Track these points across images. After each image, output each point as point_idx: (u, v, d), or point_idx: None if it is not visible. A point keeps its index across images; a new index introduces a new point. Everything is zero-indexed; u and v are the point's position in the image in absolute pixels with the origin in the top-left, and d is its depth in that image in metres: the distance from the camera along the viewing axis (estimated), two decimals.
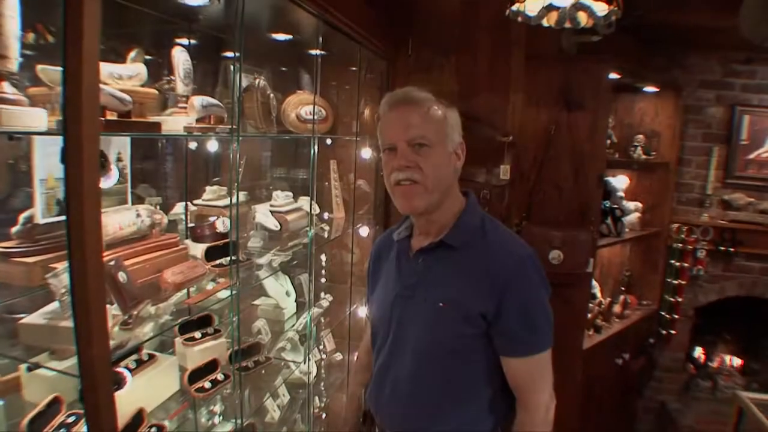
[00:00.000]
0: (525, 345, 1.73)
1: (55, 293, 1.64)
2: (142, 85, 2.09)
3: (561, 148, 3.85)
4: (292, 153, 3.82)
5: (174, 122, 2.14)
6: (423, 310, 1.80)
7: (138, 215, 2.10)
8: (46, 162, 1.90)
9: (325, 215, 3.70)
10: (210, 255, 2.29)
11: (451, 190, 1.83)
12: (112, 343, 1.54)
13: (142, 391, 2.12)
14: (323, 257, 3.81)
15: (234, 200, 3.10)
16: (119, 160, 2.23)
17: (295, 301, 3.35)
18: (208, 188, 3.11)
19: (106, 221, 1.94)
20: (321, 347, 3.63)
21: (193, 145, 3.23)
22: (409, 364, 1.84)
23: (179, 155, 3.02)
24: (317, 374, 3.46)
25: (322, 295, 3.60)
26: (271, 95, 2.72)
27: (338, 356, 3.78)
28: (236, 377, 2.48)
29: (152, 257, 2.10)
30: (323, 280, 3.87)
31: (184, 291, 2.22)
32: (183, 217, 2.86)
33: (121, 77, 1.97)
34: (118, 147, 2.22)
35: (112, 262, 1.77)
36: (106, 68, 1.91)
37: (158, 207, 2.72)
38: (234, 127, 2.13)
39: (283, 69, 3.69)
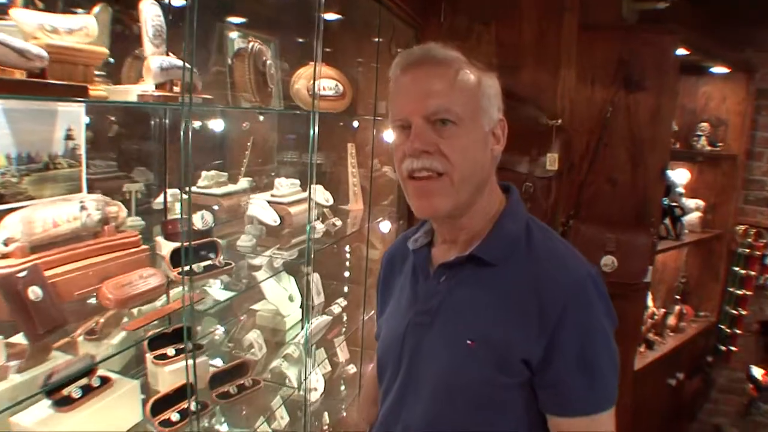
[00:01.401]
0: (582, 402, 1.24)
1: None
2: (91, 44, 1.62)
3: (617, 135, 3.30)
4: (305, 134, 3.34)
5: (127, 91, 1.67)
6: (444, 346, 1.34)
7: (83, 208, 1.64)
8: None
9: (348, 206, 3.28)
10: (180, 258, 1.81)
11: (487, 184, 1.34)
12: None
13: (84, 426, 1.66)
14: (345, 253, 3.35)
15: (237, 186, 2.76)
16: (69, 137, 1.78)
17: (301, 306, 2.86)
18: (204, 173, 2.69)
19: (31, 216, 1.49)
20: (326, 358, 3.16)
21: (196, 123, 2.85)
22: (421, 414, 1.37)
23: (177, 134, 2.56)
24: (325, 388, 2.98)
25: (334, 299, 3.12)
26: (269, 63, 2.25)
27: (351, 368, 3.30)
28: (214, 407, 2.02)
29: (98, 262, 1.65)
30: (334, 281, 3.41)
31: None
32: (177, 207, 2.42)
33: (57, 30, 1.49)
34: (68, 121, 1.77)
35: (22, 273, 1.31)
36: (31, 17, 1.45)
37: (139, 194, 2.31)
38: (186, 98, 1.62)
39: (298, 39, 3.19)
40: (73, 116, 1.81)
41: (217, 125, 3.01)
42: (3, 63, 1.19)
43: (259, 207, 2.43)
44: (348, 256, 3.54)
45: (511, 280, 1.28)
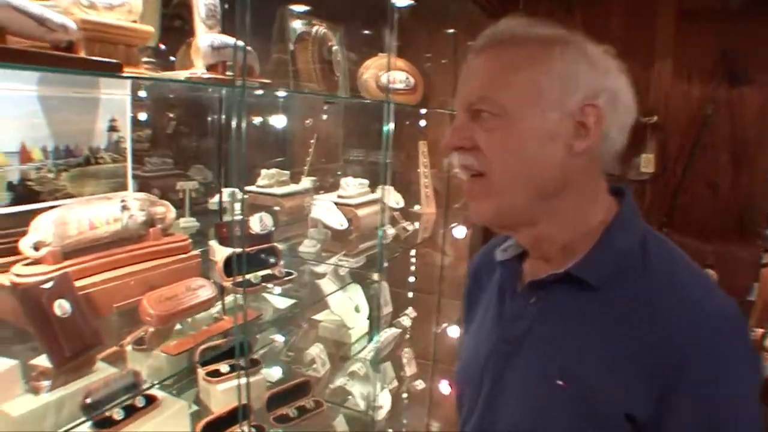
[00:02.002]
0: None
1: None
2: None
3: (718, 135, 2.94)
4: (373, 130, 3.11)
5: (174, 76, 1.47)
6: (528, 382, 1.07)
7: (124, 208, 1.43)
8: None
9: (416, 208, 3.05)
10: (234, 266, 1.59)
11: (567, 187, 1.04)
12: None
13: None
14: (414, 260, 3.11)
15: (299, 186, 2.55)
16: (113, 129, 1.58)
17: (368, 317, 2.62)
18: (264, 171, 2.50)
19: (65, 216, 1.29)
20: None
21: (257, 119, 2.64)
22: None
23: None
24: (392, 405, 2.73)
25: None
26: (335, 48, 2.02)
27: (419, 384, 3.05)
28: None
29: (141, 271, 1.44)
30: (402, 290, 3.16)
31: None
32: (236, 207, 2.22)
33: (94, 5, 1.29)
34: (111, 111, 1.57)
35: (48, 284, 1.10)
36: None
37: (193, 193, 2.12)
38: (240, 80, 1.39)
39: (365, 29, 2.97)
40: (118, 105, 1.61)
41: (278, 120, 2.83)
42: (20, 33, 0.97)
43: (325, 209, 2.21)
44: (417, 262, 3.29)
45: (619, 310, 0.98)
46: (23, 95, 1.39)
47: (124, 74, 1.25)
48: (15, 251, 1.32)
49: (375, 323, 2.58)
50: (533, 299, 1.10)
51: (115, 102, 1.60)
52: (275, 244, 1.76)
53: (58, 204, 1.43)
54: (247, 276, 1.60)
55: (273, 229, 1.80)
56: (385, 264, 2.12)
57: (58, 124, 1.47)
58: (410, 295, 3.24)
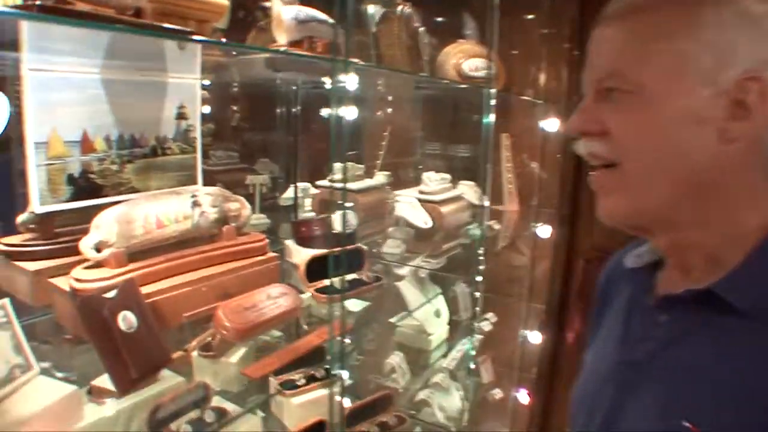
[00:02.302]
0: None
1: None
2: None
3: None
4: (450, 121, 2.91)
5: (250, 60, 1.31)
6: (648, 418, 0.86)
7: (195, 204, 1.26)
8: (49, 112, 1.18)
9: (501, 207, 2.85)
10: (317, 270, 1.41)
11: (725, 184, 0.81)
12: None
13: None
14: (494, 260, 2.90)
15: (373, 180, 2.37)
16: (181, 116, 1.41)
17: (448, 323, 2.42)
18: (337, 165, 2.29)
19: (130, 214, 1.12)
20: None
21: (325, 111, 2.48)
22: None
23: (310, 124, 2.35)
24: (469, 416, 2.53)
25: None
26: (421, 30, 1.82)
27: (497, 393, 2.83)
28: None
29: (215, 275, 1.26)
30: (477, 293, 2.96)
31: None
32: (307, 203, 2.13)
33: None
34: (180, 97, 1.41)
35: (111, 293, 0.93)
36: None
37: (264, 188, 2.01)
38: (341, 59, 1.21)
39: (439, 16, 2.77)
40: (187, 91, 1.45)
41: (349, 112, 2.65)
42: None
43: (408, 206, 2.01)
44: (496, 263, 3.08)
45: None
46: (85, 78, 1.23)
47: (201, 38, 1.07)
48: (76, 251, 1.17)
49: (467, 329, 2.38)
50: (664, 317, 0.88)
51: (183, 87, 1.44)
52: (360, 245, 1.57)
53: (122, 199, 1.27)
54: (330, 281, 1.42)
55: (355, 227, 1.62)
56: (481, 267, 1.92)
57: (123, 111, 1.31)
58: (488, 297, 3.03)
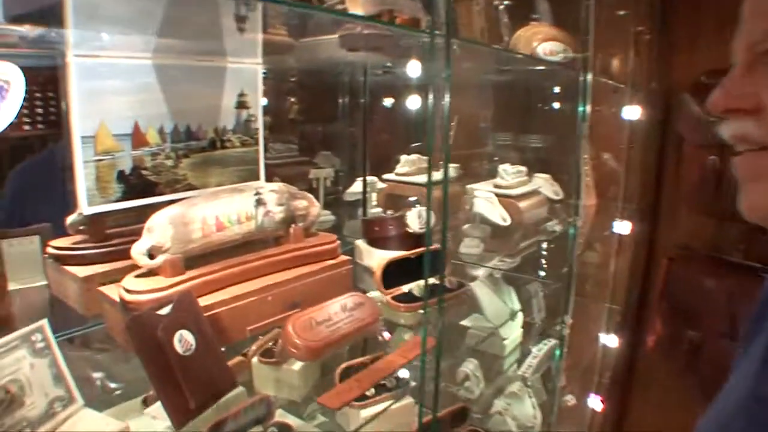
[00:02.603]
0: None
1: None
2: None
3: None
4: (523, 110, 2.73)
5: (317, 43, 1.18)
6: None
7: (260, 203, 1.12)
8: (97, 103, 1.05)
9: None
10: (393, 274, 1.25)
11: None
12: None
13: None
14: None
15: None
16: (242, 105, 1.27)
17: (522, 326, 2.24)
18: (404, 157, 2.23)
19: (186, 215, 0.98)
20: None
21: (388, 101, 2.45)
22: None
23: (374, 113, 2.20)
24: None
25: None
26: (502, 7, 1.64)
27: (570, 399, 2.65)
28: None
29: (282, 282, 1.11)
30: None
31: None
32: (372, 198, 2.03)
33: None
34: (240, 84, 1.28)
35: (166, 309, 0.80)
36: None
37: (328, 182, 1.93)
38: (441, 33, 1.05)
39: None
40: (248, 77, 1.30)
41: (412, 101, 2.52)
42: None
43: (485, 202, 1.84)
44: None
45: None
46: (135, 64, 1.10)
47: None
48: (129, 254, 1.03)
49: (541, 333, 2.20)
50: None
51: (244, 73, 1.29)
52: (439, 246, 1.41)
53: (178, 198, 1.14)
54: (409, 287, 1.26)
55: (428, 227, 1.45)
56: (573, 269, 1.74)
57: (178, 100, 1.17)
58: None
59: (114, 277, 1.22)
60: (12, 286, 1.41)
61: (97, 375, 1.44)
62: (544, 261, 2.44)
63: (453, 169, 2.31)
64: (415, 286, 1.27)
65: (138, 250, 0.99)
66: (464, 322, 2.24)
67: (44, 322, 0.80)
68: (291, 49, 1.19)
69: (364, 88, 1.96)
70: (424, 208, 1.41)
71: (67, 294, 1.26)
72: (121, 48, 1.07)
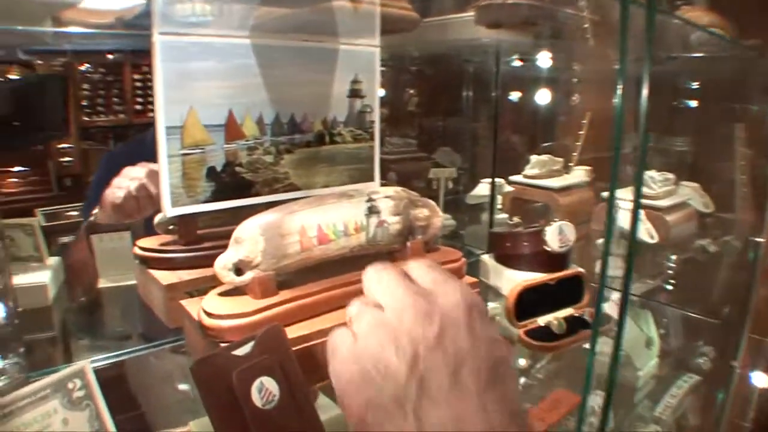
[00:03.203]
0: None
1: None
2: None
3: None
4: (667, 107, 2.43)
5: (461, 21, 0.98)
6: None
7: (372, 211, 0.92)
8: (185, 88, 0.88)
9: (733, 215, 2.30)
10: (527, 303, 1.03)
11: None
12: None
13: None
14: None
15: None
16: (355, 94, 1.10)
17: (658, 356, 1.96)
18: (534, 158, 2.01)
19: (282, 224, 0.80)
20: None
21: (514, 95, 2.27)
22: None
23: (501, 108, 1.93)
24: None
25: None
26: None
27: None
28: None
29: None
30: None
31: None
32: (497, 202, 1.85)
33: None
34: (353, 69, 1.09)
35: (245, 347, 0.62)
36: None
37: (450, 183, 1.75)
38: None
39: None
40: (363, 62, 1.10)
41: (542, 96, 2.29)
42: None
43: (630, 214, 1.57)
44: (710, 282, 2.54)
45: None
46: (231, 44, 0.92)
47: None
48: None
49: (681, 366, 1.91)
50: None
51: (358, 57, 1.09)
52: (579, 268, 1.17)
53: (278, 200, 0.97)
54: (546, 320, 1.03)
55: (569, 244, 1.21)
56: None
57: (280, 86, 0.99)
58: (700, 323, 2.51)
59: (203, 286, 1.07)
60: (102, 284, 1.30)
61: (184, 387, 1.31)
62: (693, 286, 2.14)
63: (583, 172, 2.07)
64: (553, 320, 1.04)
65: (222, 264, 0.81)
66: (588, 346, 1.98)
67: (85, 365, 0.63)
68: (415, 26, 0.98)
69: (496, 77, 1.72)
70: (565, 223, 1.17)
71: (152, 300, 1.12)
72: (214, 25, 0.90)
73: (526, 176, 1.93)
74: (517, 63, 1.88)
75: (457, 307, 0.49)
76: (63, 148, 2.91)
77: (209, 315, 0.79)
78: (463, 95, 2.15)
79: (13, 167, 2.69)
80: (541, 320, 1.04)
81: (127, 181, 1.26)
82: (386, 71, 1.69)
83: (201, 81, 0.89)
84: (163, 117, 0.86)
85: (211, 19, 0.89)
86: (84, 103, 3.23)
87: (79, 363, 0.64)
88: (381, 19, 1.01)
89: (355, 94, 1.09)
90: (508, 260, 1.23)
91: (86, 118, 3.31)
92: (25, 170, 2.72)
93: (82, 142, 3.06)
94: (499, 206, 1.85)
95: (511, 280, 1.16)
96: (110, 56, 3.11)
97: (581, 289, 1.14)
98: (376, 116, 1.12)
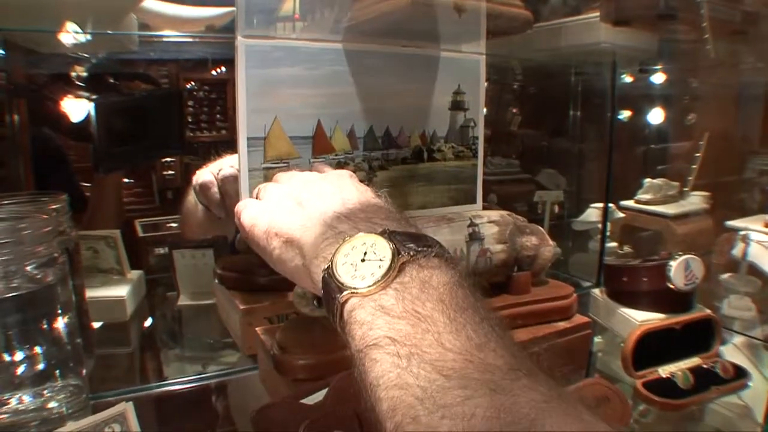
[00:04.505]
0: None
1: None
2: None
3: None
4: None
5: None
6: None
7: (473, 237, 0.80)
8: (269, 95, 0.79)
9: None
10: (645, 348, 0.88)
11: None
12: None
13: None
14: None
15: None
16: (459, 106, 0.98)
17: None
18: (647, 182, 1.84)
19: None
20: None
21: (623, 114, 2.00)
22: None
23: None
24: None
25: None
26: None
27: None
28: None
29: None
30: None
31: None
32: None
33: None
34: (456, 78, 0.97)
35: (316, 395, 0.51)
36: None
37: (556, 208, 1.67)
38: None
39: None
40: (466, 71, 0.98)
41: (654, 115, 2.13)
42: None
43: (762, 248, 1.37)
44: None
45: None
46: (320, 48, 0.82)
47: None
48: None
49: None
50: None
51: (461, 65, 0.97)
52: (710, 312, 1.00)
53: None
54: (669, 370, 0.87)
55: (696, 281, 1.04)
56: None
57: (375, 96, 0.88)
58: None
59: (285, 313, 0.98)
60: (181, 301, 1.23)
61: None
62: None
63: (700, 198, 1.87)
64: (678, 371, 0.87)
65: (301, 292, 0.71)
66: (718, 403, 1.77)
67: (127, 408, 0.53)
68: (526, 28, 0.86)
69: (612, 91, 1.57)
70: (692, 257, 1.00)
71: (230, 323, 1.05)
72: (303, 28, 0.80)
73: (638, 201, 1.75)
74: (629, 78, 1.71)
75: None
76: (166, 162, 2.94)
77: (282, 348, 0.69)
78: (570, 113, 2.00)
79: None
80: (663, 370, 0.87)
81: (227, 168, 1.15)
82: (488, 89, 1.58)
83: (287, 89, 0.79)
84: (245, 127, 0.77)
85: (300, 22, 0.79)
86: (189, 119, 3.27)
87: (120, 405, 0.55)
88: (489, 19, 0.88)
89: (457, 106, 0.97)
90: (624, 297, 1.06)
91: (190, 134, 3.35)
92: (129, 182, 2.76)
93: (184, 156, 3.08)
94: (608, 233, 1.69)
95: (629, 321, 1.00)
96: (214, 73, 3.13)
97: (711, 335, 0.97)
98: (480, 131, 0.99)
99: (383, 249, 0.45)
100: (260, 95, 0.77)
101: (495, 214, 0.86)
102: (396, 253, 0.44)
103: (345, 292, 0.43)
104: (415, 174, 0.94)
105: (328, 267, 0.46)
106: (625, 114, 2.14)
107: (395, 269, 0.43)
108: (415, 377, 0.36)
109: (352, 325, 0.42)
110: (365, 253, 0.45)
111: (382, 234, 0.47)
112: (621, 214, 1.68)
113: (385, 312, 0.41)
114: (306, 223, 0.54)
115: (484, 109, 1.00)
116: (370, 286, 0.43)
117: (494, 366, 0.36)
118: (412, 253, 0.45)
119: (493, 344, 0.38)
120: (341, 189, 0.58)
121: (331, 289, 0.45)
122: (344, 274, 0.45)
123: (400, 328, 0.39)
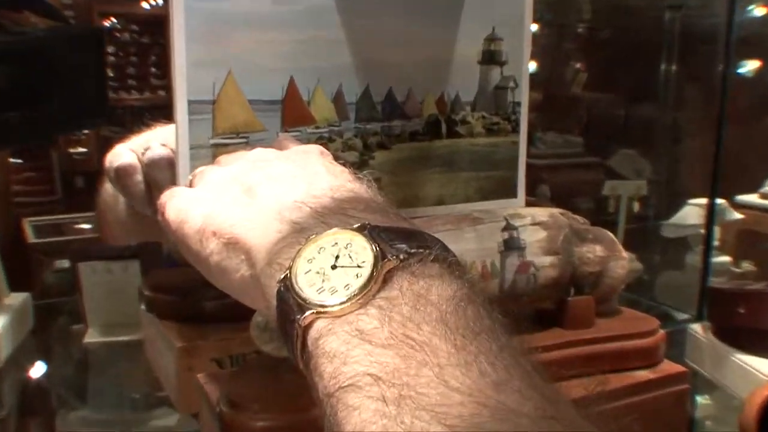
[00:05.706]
0: None
1: None
2: None
3: None
4: None
5: None
6: None
7: (509, 245, 0.87)
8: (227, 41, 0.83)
9: None
10: None
11: None
12: None
13: None
14: None
15: None
16: (493, 59, 1.02)
17: None
18: None
19: None
20: None
21: (744, 66, 2.13)
22: None
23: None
24: None
25: None
26: None
27: None
28: None
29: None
30: None
31: None
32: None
33: None
34: (492, 20, 1.00)
35: None
36: None
37: (635, 203, 1.71)
38: None
39: None
40: (504, 5, 1.01)
41: None
42: None
43: None
44: None
45: None
46: None
47: None
48: None
49: None
50: None
51: (496, 3, 1.00)
52: None
53: None
54: None
55: None
56: None
57: (372, 45, 0.92)
58: None
59: (240, 352, 1.02)
60: (90, 338, 1.26)
61: None
62: None
63: None
64: None
65: (261, 323, 0.75)
66: None
67: None
68: None
69: (727, 33, 1.60)
70: None
71: (162, 368, 1.09)
72: None
73: (764, 197, 1.81)
74: (759, 11, 1.76)
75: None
76: (75, 135, 2.97)
77: (233, 404, 0.73)
78: (662, 67, 2.05)
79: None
80: None
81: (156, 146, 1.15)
82: (538, 34, 1.64)
83: (246, 31, 0.82)
84: (184, 86, 0.79)
85: None
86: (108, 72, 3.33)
87: None
88: None
89: (490, 58, 1.00)
90: (741, 337, 1.10)
91: (113, 95, 3.38)
92: (18, 163, 2.78)
93: (103, 127, 3.14)
94: (716, 242, 1.74)
95: (749, 374, 1.04)
96: (146, 5, 3.18)
97: None
98: (523, 95, 1.02)
99: (362, 251, 0.45)
100: (207, 40, 0.80)
101: (543, 213, 0.90)
102: (380, 257, 0.45)
103: (308, 312, 0.44)
104: (428, 155, 0.98)
105: (285, 277, 0.47)
106: (748, 67, 2.18)
107: (378, 279, 0.44)
108: (407, 430, 0.36)
109: (319, 358, 0.43)
110: (337, 257, 0.46)
111: (360, 230, 0.47)
112: (737, 215, 1.74)
113: (365, 339, 0.41)
114: (255, 217, 0.55)
115: (532, 64, 1.04)
116: (343, 303, 0.43)
117: (519, 413, 0.36)
118: (402, 257, 0.45)
119: (517, 382, 0.38)
120: (306, 170, 0.60)
121: (289, 307, 0.46)
122: (307, 286, 0.45)
123: (387, 361, 0.40)
